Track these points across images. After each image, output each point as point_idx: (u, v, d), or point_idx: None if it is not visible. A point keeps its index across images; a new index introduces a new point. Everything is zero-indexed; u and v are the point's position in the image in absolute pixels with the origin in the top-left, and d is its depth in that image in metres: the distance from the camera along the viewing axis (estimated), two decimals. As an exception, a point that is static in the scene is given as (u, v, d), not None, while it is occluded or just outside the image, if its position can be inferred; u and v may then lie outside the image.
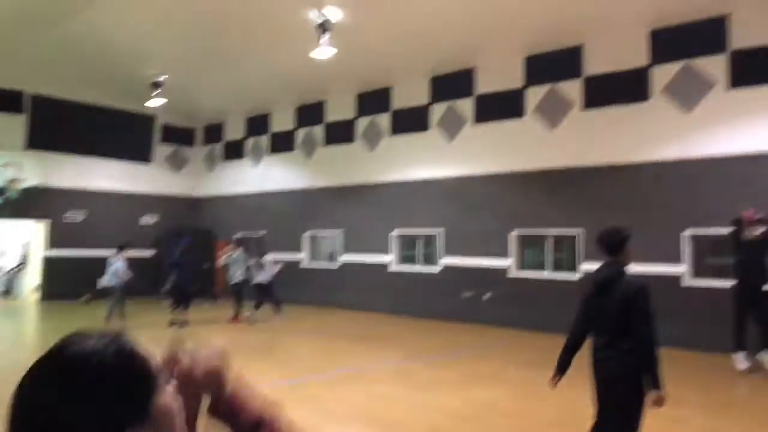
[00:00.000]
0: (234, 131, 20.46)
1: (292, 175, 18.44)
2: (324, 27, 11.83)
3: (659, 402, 3.65)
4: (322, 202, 17.36)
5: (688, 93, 10.93)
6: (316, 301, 16.77)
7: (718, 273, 10.52)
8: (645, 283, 3.80)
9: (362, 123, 16.67)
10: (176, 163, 21.00)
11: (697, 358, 9.73)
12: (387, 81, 15.81)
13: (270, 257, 14.23)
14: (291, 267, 17.49)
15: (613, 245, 3.96)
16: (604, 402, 3.89)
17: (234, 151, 20.40)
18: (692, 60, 10.93)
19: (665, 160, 11.09)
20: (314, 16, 11.66)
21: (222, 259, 14.29)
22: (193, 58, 15.02)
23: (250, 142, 19.91)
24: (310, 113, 18.10)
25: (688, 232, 10.78)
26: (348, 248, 16.60)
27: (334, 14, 11.60)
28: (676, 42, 11.10)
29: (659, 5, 10.53)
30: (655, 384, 3.64)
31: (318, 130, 17.85)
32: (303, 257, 17.74)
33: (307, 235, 17.80)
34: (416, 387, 7.74)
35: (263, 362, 8.95)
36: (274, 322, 13.32)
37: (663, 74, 11.27)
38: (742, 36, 10.32)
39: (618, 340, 3.77)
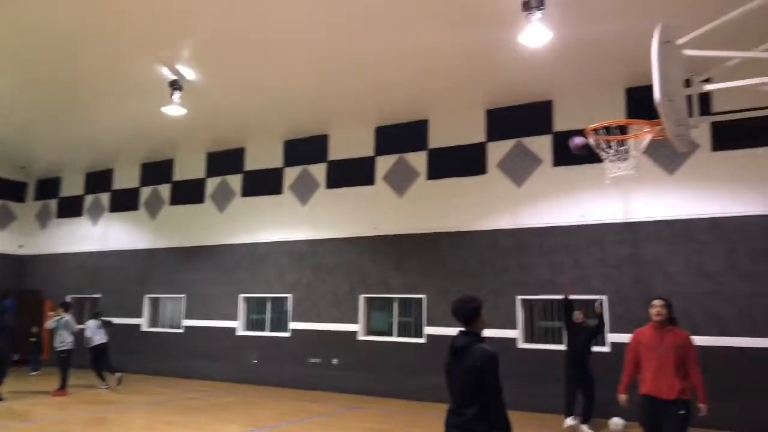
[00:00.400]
0: (71, 187, 19.12)
1: (133, 235, 17.46)
2: (176, 85, 11.58)
3: None
4: (166, 263, 16.56)
5: (519, 168, 11.97)
6: (157, 370, 15.75)
7: (548, 337, 11.37)
8: (495, 352, 3.92)
9: (212, 183, 16.32)
10: (1, 218, 19.09)
11: (535, 418, 10.30)
12: (240, 141, 15.71)
13: (99, 321, 13.33)
14: (130, 332, 16.43)
15: (467, 314, 4.08)
16: None
17: (70, 208, 18.99)
18: (523, 139, 12.04)
19: (500, 229, 11.94)
20: (166, 73, 11.40)
21: (49, 323, 13.01)
22: (28, 109, 13.95)
23: (89, 199, 18.66)
24: (157, 171, 17.42)
25: (519, 298, 11.57)
26: (192, 312, 15.85)
27: (187, 73, 11.42)
28: (509, 121, 12.20)
29: (493, 88, 11.54)
30: None
31: (165, 189, 17.19)
32: (143, 321, 16.66)
33: (147, 298, 16.79)
34: (258, 460, 7.42)
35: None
36: (110, 393, 12.24)
37: (498, 150, 12.28)
38: (564, 119, 11.58)
39: (465, 406, 3.87)
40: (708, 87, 5.17)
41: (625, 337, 10.39)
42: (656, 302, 5.83)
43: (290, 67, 10.87)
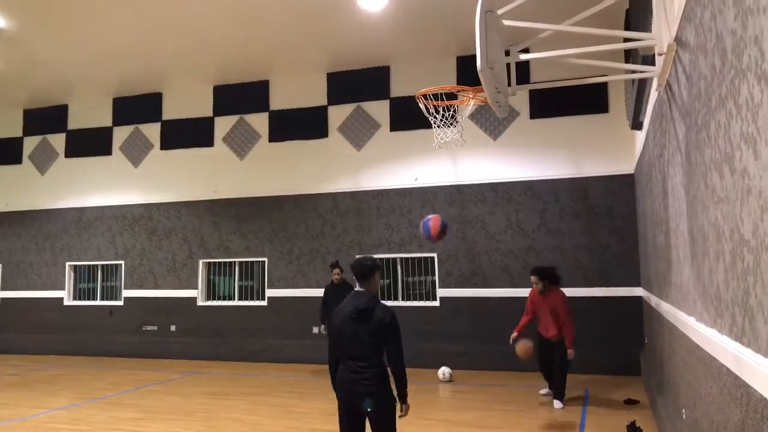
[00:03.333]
0: None
1: (-64, 200, 15.54)
2: (-19, 31, 10.34)
3: (407, 412, 4.28)
4: (-22, 231, 14.97)
5: (359, 132, 12.28)
6: (-33, 348, 14.33)
7: (385, 294, 11.95)
8: (394, 311, 4.34)
9: (31, 142, 14.91)
10: None
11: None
12: (63, 98, 14.44)
13: None
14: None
15: (364, 270, 4.38)
16: (356, 417, 4.26)
17: None
18: (363, 103, 12.32)
19: (341, 192, 12.23)
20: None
21: None
22: None
23: None
24: (-38, 127, 15.54)
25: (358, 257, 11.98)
26: (10, 283, 14.55)
27: (-5, 19, 10.22)
28: (349, 86, 12.40)
29: (333, 51, 11.65)
30: (404, 399, 4.24)
31: (-27, 148, 15.42)
32: (-50, 296, 15.02)
33: (-44, 270, 15.13)
34: None
35: None
36: None
37: (339, 114, 12.47)
38: (400, 85, 12.01)
39: (369, 365, 4.18)
40: (524, 56, 5.65)
41: (452, 292, 11.29)
42: (532, 278, 8.33)
43: (117, 19, 10.12)
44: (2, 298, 14.62)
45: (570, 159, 10.90)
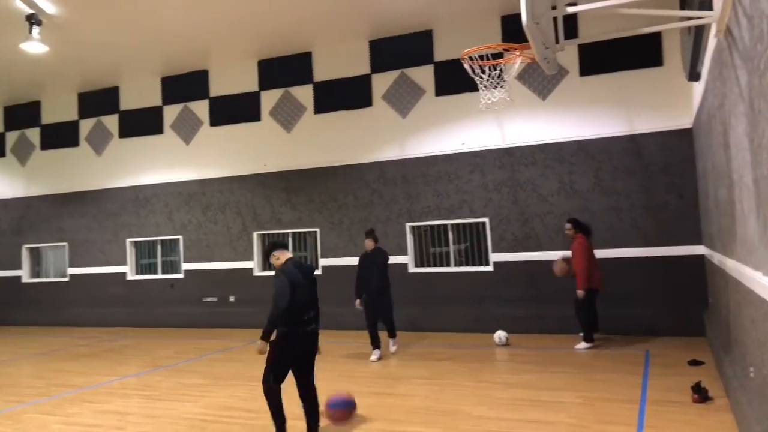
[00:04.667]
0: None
1: (3, 184, 16.29)
2: (34, 19, 10.64)
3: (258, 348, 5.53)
4: (44, 212, 15.67)
5: (404, 99, 12.17)
6: (42, 321, 15.16)
7: (436, 261, 11.95)
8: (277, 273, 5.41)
9: (87, 125, 15.38)
10: None
11: (424, 337, 10.94)
12: (114, 80, 14.80)
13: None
14: (9, 285, 15.67)
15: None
16: (310, 360, 5.56)
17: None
18: (406, 69, 12.18)
19: (387, 160, 12.20)
20: (22, 6, 10.42)
21: None
22: None
23: (-55, 147, 17.06)
24: (22, 114, 16.16)
25: (408, 225, 12.00)
26: (77, 260, 15.22)
27: (45, 6, 10.49)
28: (392, 53, 12.26)
29: (375, 18, 11.51)
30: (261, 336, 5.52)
31: (33, 133, 16.03)
32: (23, 273, 15.84)
33: (26, 248, 15.91)
34: (156, 398, 7.46)
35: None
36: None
37: (383, 81, 12.37)
38: (444, 49, 11.80)
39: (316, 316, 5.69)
40: (571, 9, 5.47)
41: (505, 257, 11.20)
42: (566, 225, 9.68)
43: (161, -3, 10.25)
44: (70, 275, 15.31)
45: (623, 116, 10.55)
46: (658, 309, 9.91)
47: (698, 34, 6.67)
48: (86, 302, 14.96)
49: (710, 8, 4.99)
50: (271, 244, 5.77)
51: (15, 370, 9.81)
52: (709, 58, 6.28)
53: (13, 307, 15.64)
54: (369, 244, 9.63)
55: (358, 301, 9.36)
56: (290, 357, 5.45)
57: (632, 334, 9.89)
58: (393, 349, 9.57)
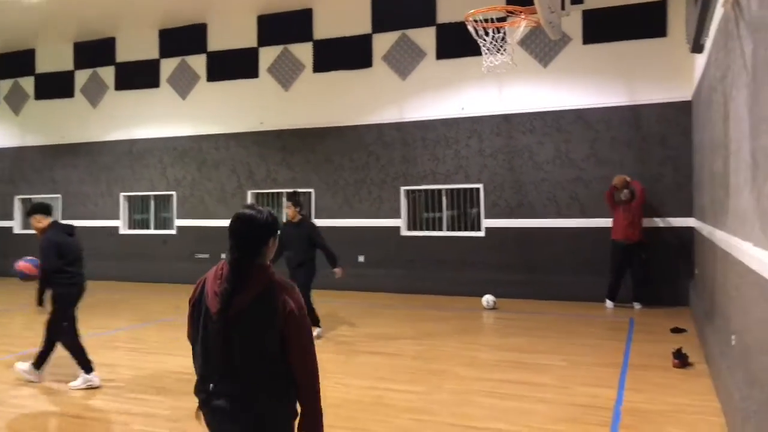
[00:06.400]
0: None
1: (-4, 133, 16.16)
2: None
3: None
4: (37, 162, 15.57)
5: (404, 61, 12.04)
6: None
7: (428, 225, 11.99)
8: None
9: (82, 76, 15.17)
10: None
11: (413, 299, 11.04)
12: (110, 31, 14.56)
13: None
14: (1, 236, 15.63)
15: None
16: None
17: None
18: (408, 30, 12.02)
19: (385, 123, 12.13)
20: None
21: None
22: None
23: (-63, 93, 16.83)
24: (15, 62, 15.91)
25: (403, 189, 12.00)
26: (70, 213, 15.16)
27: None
28: (394, 12, 12.08)
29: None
30: None
31: (27, 82, 15.82)
32: (14, 224, 15.82)
33: (18, 199, 15.85)
34: (144, 351, 7.55)
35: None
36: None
37: (383, 42, 12.22)
38: (447, 10, 11.63)
39: None
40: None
41: (498, 222, 11.26)
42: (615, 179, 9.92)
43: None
44: (62, 228, 15.29)
45: (624, 86, 10.49)
46: (645, 278, 10.01)
47: (705, 3, 6.59)
48: (79, 254, 14.98)
49: (718, -24, 4.93)
50: None
51: (8, 321, 9.87)
52: (714, 30, 6.23)
53: (4, 258, 15.57)
54: (290, 212, 8.06)
55: None
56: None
57: (618, 302, 10.01)
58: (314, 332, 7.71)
